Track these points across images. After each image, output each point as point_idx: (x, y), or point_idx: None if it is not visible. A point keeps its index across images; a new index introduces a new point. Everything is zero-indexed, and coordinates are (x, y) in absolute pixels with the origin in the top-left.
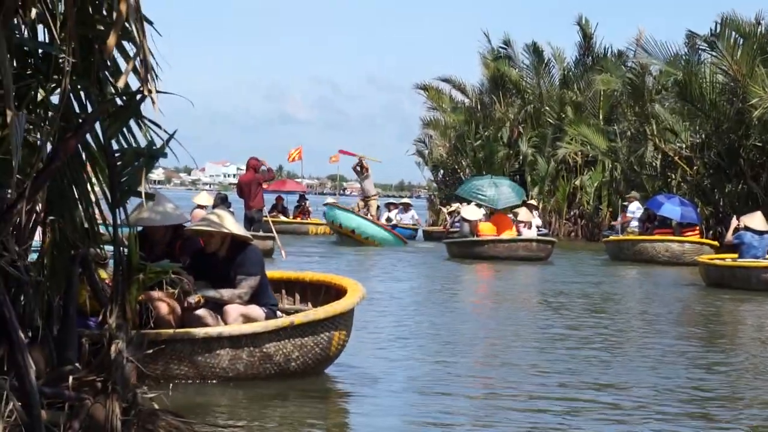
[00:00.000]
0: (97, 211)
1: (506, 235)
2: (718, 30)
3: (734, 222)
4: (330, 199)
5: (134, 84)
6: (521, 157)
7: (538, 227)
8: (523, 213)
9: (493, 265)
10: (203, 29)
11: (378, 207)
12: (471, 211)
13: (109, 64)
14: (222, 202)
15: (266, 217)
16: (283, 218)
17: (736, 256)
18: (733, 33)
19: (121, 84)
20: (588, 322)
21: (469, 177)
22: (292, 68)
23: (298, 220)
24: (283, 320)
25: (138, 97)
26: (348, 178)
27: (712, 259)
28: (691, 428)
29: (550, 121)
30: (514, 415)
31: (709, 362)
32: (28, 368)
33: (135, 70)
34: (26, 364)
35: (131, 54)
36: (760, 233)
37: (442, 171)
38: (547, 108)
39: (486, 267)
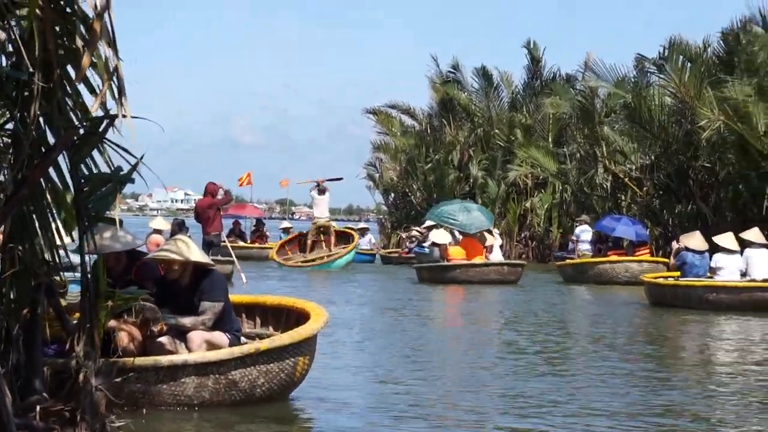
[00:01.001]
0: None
1: (477, 259)
2: (666, 53)
3: (674, 244)
4: (285, 224)
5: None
6: (472, 180)
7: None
8: (487, 237)
9: (463, 289)
10: (144, 49)
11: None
12: (440, 236)
13: (69, 89)
14: (180, 227)
15: (224, 241)
16: (241, 243)
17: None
18: (681, 56)
19: (94, 108)
20: (566, 343)
21: (439, 203)
22: (238, 92)
23: (257, 244)
24: (248, 347)
25: (105, 122)
26: (297, 202)
27: (655, 278)
28: None
29: (500, 143)
30: None
31: (658, 379)
32: (4, 398)
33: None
34: (2, 394)
35: (94, 78)
36: (701, 253)
37: (392, 194)
38: (496, 131)
39: (457, 290)
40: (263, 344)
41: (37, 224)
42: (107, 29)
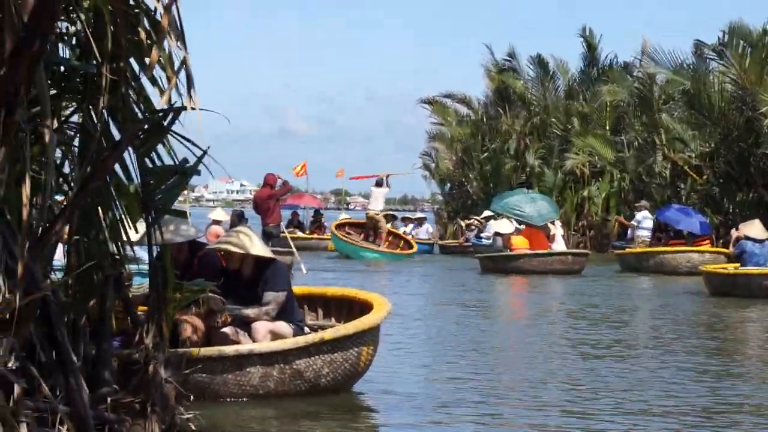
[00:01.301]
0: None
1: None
2: (726, 39)
3: (734, 232)
4: (344, 215)
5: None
6: (528, 169)
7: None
8: (550, 227)
9: (527, 279)
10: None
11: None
12: (503, 226)
13: (132, 83)
14: (239, 218)
15: (284, 232)
16: (299, 233)
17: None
18: (741, 42)
19: (164, 100)
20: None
21: (501, 192)
22: (291, 85)
23: (315, 235)
24: (313, 336)
25: (171, 115)
26: (351, 192)
27: (715, 268)
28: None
29: (557, 132)
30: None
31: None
32: (81, 392)
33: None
34: (80, 387)
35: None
36: (761, 241)
37: (449, 184)
38: (553, 119)
39: (521, 281)
40: (327, 334)
41: (102, 217)
42: (175, 22)
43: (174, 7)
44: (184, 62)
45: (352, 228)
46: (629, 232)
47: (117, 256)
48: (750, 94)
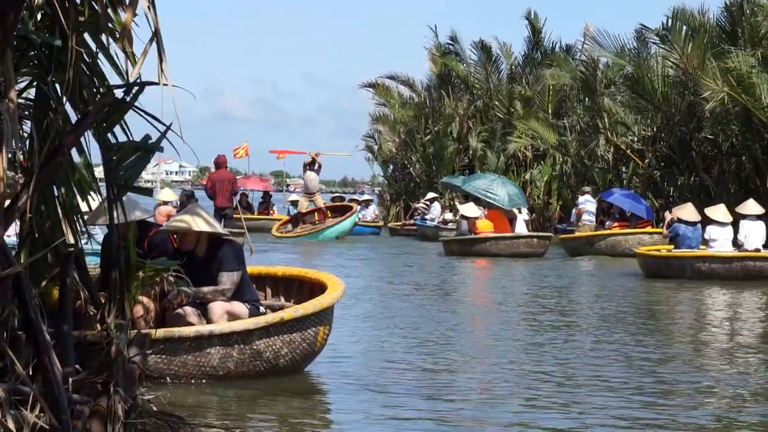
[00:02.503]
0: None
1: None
2: (669, 24)
3: (667, 215)
4: (293, 196)
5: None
6: (471, 152)
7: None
8: (514, 211)
9: (491, 261)
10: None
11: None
12: (470, 209)
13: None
14: (188, 198)
15: (237, 213)
16: (248, 214)
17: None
18: (684, 26)
19: (135, 73)
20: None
21: (474, 174)
22: (229, 69)
23: (263, 216)
24: (273, 316)
25: (135, 89)
26: (292, 174)
27: (649, 250)
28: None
29: (499, 115)
30: (504, 414)
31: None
32: (55, 372)
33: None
34: (53, 367)
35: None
36: (693, 224)
37: (391, 166)
38: (496, 103)
39: (486, 264)
40: (287, 313)
41: (55, 193)
42: None
43: None
44: (156, 33)
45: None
46: (571, 216)
47: (72, 233)
48: (692, 79)
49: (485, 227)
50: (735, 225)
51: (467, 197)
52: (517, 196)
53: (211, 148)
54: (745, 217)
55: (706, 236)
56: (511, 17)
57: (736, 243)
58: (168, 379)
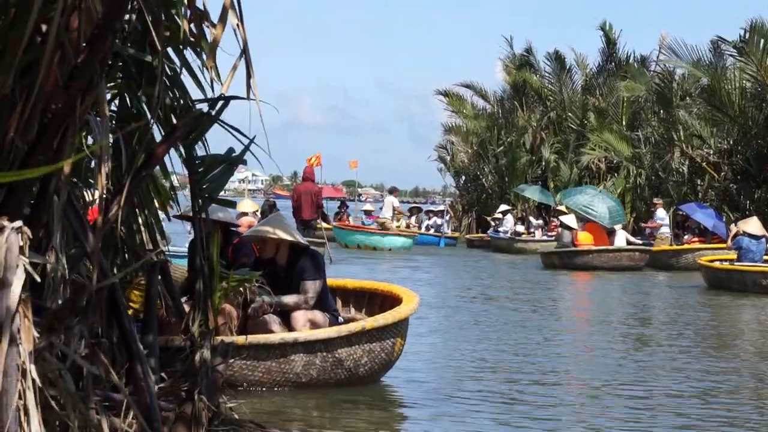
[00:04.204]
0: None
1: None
2: (746, 36)
3: (733, 228)
4: (367, 206)
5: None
6: (544, 164)
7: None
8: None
9: (595, 275)
10: None
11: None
12: (571, 220)
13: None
14: (271, 208)
15: (319, 224)
16: (324, 225)
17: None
18: (762, 39)
19: (225, 89)
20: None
21: (571, 188)
22: (300, 75)
23: (340, 225)
24: (355, 325)
25: (220, 103)
26: (363, 183)
27: (711, 261)
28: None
29: (573, 127)
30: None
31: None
32: (148, 379)
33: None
34: (147, 375)
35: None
36: (757, 238)
37: (463, 177)
38: (569, 114)
39: (588, 277)
40: (369, 323)
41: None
42: (234, 6)
43: None
44: (245, 49)
45: None
46: (647, 229)
47: (153, 244)
48: None
49: (585, 240)
50: None
51: (540, 209)
52: (618, 212)
53: (281, 156)
54: None
55: None
56: (586, 28)
57: None
58: (251, 386)
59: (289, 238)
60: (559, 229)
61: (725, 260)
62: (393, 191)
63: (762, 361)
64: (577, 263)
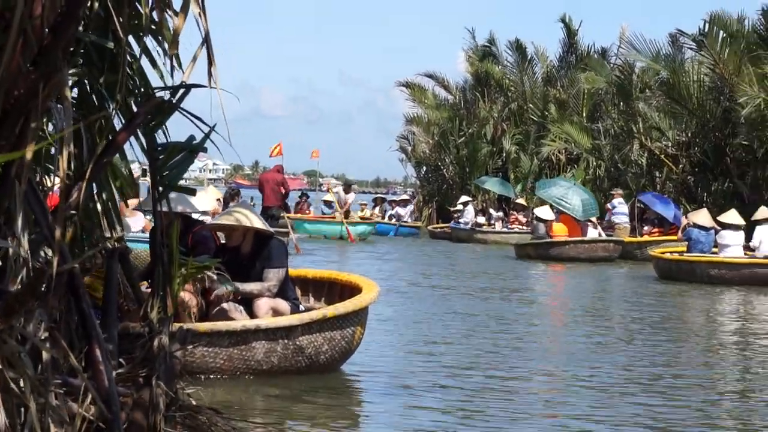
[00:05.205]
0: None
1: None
2: (705, 29)
3: (684, 220)
4: (328, 196)
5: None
6: (504, 155)
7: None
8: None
9: (565, 266)
10: None
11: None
12: (546, 212)
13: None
14: (233, 196)
15: (283, 214)
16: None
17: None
18: (721, 32)
19: (186, 77)
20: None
21: (547, 179)
22: (265, 68)
23: (299, 216)
24: (316, 313)
25: (181, 91)
26: (325, 174)
27: (662, 253)
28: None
29: (534, 118)
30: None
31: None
32: (107, 365)
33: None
34: (106, 360)
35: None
36: (707, 229)
37: (425, 168)
38: (530, 106)
39: (561, 268)
40: (330, 311)
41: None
42: None
43: None
44: (207, 38)
45: None
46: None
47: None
48: (728, 84)
49: (560, 231)
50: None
51: (500, 200)
52: (591, 205)
53: (243, 145)
54: (760, 222)
55: (719, 239)
56: (547, 20)
57: (749, 248)
58: (212, 373)
59: (259, 225)
60: (534, 221)
61: (677, 252)
62: (348, 188)
63: (710, 348)
64: (552, 254)
